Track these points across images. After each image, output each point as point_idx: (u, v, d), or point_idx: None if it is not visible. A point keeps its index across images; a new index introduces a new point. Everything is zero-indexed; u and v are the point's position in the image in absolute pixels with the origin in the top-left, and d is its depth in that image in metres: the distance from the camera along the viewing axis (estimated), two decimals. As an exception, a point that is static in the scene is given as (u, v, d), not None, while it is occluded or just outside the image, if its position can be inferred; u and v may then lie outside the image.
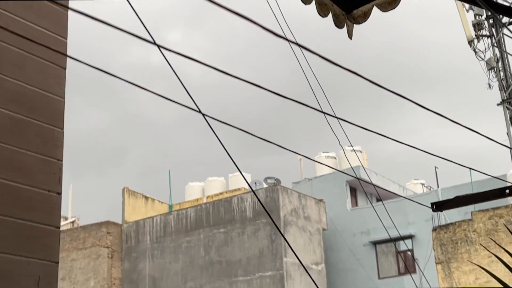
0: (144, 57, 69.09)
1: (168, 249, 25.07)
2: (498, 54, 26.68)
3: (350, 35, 3.14)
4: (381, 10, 3.01)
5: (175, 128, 69.98)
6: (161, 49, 2.40)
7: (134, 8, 3.06)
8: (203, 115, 3.00)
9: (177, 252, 24.82)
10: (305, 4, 2.89)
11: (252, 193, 24.11)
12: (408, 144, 3.29)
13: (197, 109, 3.01)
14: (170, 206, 28.83)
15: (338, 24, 3.08)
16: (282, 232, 22.38)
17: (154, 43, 2.22)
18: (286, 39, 1.91)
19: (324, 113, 2.93)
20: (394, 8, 2.96)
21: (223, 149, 3.69)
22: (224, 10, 1.66)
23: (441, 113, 3.06)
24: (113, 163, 71.47)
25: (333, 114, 3.25)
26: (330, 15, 3.05)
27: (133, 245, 25.87)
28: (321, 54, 1.95)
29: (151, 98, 70.67)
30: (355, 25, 3.15)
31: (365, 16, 3.10)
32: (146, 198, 28.26)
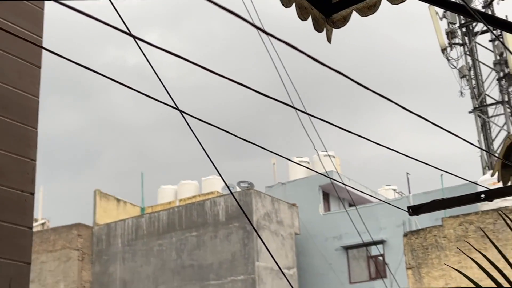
0: (121, 58, 68.71)
1: (139, 252, 24.90)
2: (470, 63, 27.03)
3: (329, 39, 3.15)
4: (360, 14, 3.03)
5: (150, 131, 69.66)
6: (138, 41, 2.38)
7: (113, 3, 3.04)
8: (181, 112, 2.99)
9: (148, 256, 24.66)
10: (285, 7, 2.90)
11: (226, 196, 24.04)
12: (384, 145, 3.31)
13: (175, 106, 3.00)
14: (142, 209, 28.64)
15: (318, 28, 3.10)
16: (255, 236, 22.36)
17: (130, 34, 2.20)
18: (254, 25, 1.91)
19: (296, 109, 2.94)
20: (373, 13, 2.98)
21: (198, 151, 3.67)
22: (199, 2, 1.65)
23: (415, 117, 3.08)
24: (87, 165, 70.86)
25: (305, 111, 3.26)
26: (310, 18, 3.07)
27: (104, 248, 25.65)
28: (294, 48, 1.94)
29: (127, 100, 70.25)
30: (334, 29, 3.17)
31: (345, 20, 3.12)
32: (118, 200, 28.05)
